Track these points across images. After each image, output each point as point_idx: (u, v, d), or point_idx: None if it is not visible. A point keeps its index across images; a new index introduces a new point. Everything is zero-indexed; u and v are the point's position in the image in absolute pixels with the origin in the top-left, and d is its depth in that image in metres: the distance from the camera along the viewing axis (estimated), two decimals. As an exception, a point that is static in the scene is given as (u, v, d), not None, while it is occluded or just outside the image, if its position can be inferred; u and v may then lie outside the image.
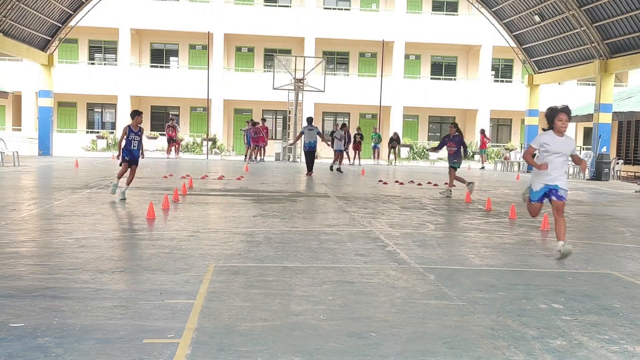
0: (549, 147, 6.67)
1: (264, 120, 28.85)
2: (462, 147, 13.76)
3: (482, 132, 29.28)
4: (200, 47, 36.40)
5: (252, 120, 28.17)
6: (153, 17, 34.24)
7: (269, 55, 35.53)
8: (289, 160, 29.10)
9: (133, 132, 11.11)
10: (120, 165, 11.23)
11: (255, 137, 26.76)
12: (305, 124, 20.60)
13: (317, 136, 19.72)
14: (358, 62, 38.00)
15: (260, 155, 27.71)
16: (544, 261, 6.81)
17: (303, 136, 20.05)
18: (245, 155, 27.60)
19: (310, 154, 19.51)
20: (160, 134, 33.48)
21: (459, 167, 13.91)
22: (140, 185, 14.22)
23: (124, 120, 34.26)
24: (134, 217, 9.26)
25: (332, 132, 28.11)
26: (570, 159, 7.03)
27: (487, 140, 29.84)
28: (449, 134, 14.02)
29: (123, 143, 11.08)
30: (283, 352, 3.72)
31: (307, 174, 18.97)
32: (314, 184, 16.43)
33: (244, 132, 28.28)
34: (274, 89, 28.28)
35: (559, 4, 22.74)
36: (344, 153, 23.62)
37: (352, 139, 28.48)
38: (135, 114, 11.25)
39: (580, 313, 4.76)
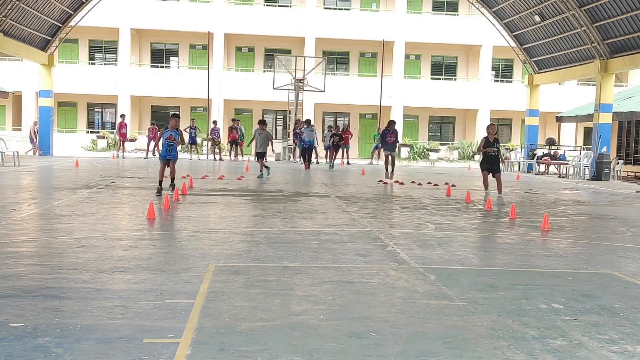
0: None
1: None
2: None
3: (347, 127, 28.70)
4: (201, 47, 36.38)
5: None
6: (153, 17, 34.23)
7: (269, 55, 35.52)
8: (289, 160, 29.08)
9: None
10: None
11: None
12: (305, 125, 23.62)
13: (315, 136, 23.49)
14: (358, 62, 37.99)
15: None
16: (544, 261, 6.81)
17: (303, 135, 23.19)
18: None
19: (310, 150, 23.06)
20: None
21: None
22: (140, 185, 14.24)
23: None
24: (134, 217, 9.26)
25: (332, 135, 28.19)
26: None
27: (350, 136, 28.97)
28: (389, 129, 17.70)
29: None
30: (283, 352, 3.72)
31: (306, 168, 21.92)
32: (314, 184, 16.43)
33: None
34: (274, 89, 28.25)
35: (559, 4, 22.73)
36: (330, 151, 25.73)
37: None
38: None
39: (581, 313, 4.76)
